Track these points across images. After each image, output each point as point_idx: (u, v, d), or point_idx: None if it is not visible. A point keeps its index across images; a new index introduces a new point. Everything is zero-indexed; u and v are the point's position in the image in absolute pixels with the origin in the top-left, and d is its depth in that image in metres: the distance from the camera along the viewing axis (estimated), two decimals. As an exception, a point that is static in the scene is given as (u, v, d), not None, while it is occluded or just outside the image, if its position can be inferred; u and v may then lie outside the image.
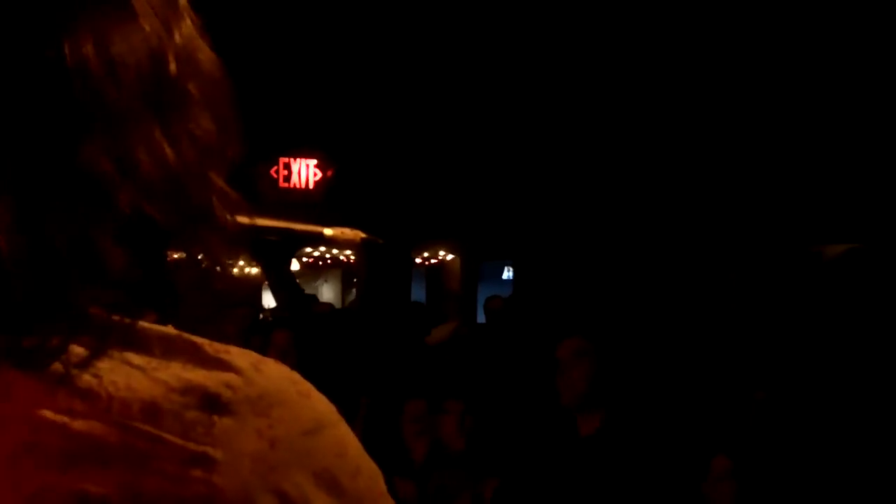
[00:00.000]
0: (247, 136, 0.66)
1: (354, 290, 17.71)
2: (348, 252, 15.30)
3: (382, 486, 0.60)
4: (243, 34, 8.86)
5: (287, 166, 13.68)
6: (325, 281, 19.76)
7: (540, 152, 12.47)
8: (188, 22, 0.64)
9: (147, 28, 0.60)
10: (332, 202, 12.75)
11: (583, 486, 3.44)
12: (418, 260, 15.73)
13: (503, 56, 12.07)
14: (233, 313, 0.65)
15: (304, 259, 16.55)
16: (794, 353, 5.72)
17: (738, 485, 3.59)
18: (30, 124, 0.55)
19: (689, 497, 3.56)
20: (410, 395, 4.73)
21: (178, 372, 0.55)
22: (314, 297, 9.50)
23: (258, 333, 5.52)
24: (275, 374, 0.57)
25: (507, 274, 17.51)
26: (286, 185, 13.63)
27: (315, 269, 18.53)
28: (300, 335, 5.17)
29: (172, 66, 0.61)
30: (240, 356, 0.57)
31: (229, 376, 0.55)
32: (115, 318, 0.55)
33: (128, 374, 0.54)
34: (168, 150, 0.59)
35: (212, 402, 0.54)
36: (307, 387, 0.59)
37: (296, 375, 0.59)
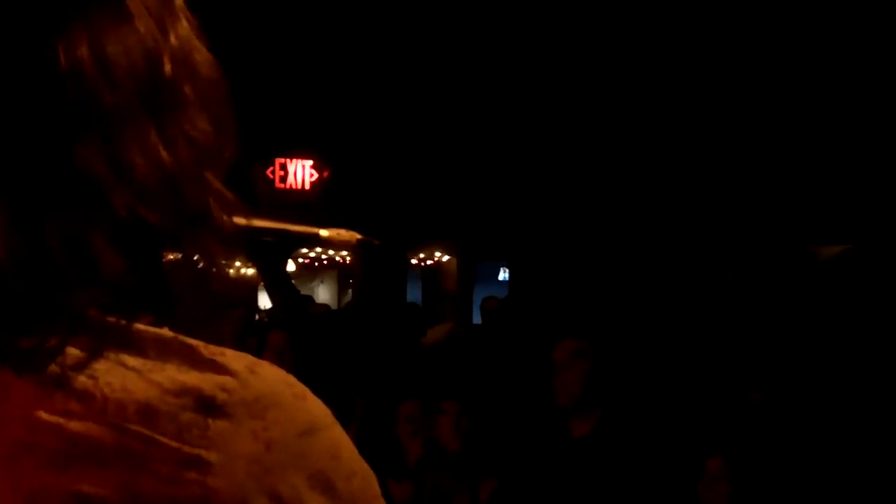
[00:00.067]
0: (243, 137, 0.66)
1: (350, 291, 17.74)
2: (344, 253, 15.31)
3: (376, 489, 0.61)
4: (240, 35, 8.86)
5: (283, 167, 13.67)
6: (322, 282, 19.77)
7: (536, 154, 12.48)
8: (184, 23, 0.64)
9: (142, 29, 0.60)
10: (329, 203, 12.74)
11: (579, 486, 3.44)
12: (414, 261, 15.74)
13: (499, 58, 12.07)
14: (229, 314, 0.65)
15: (301, 260, 16.54)
16: (790, 354, 5.73)
17: (733, 486, 3.60)
18: (24, 126, 0.55)
19: (684, 498, 3.56)
20: (406, 395, 4.73)
21: (173, 374, 0.55)
22: (310, 298, 9.50)
23: (254, 334, 5.51)
24: (270, 377, 0.57)
25: (503, 275, 17.53)
26: (282, 185, 13.62)
27: (311, 270, 18.54)
28: (296, 336, 5.16)
29: (168, 67, 0.61)
30: (235, 359, 0.57)
31: (224, 379, 0.55)
32: (111, 319, 0.55)
33: (123, 376, 0.54)
34: (163, 152, 0.59)
35: (207, 405, 0.54)
36: (302, 389, 0.59)
37: (291, 378, 0.59)
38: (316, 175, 13.76)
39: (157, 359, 0.55)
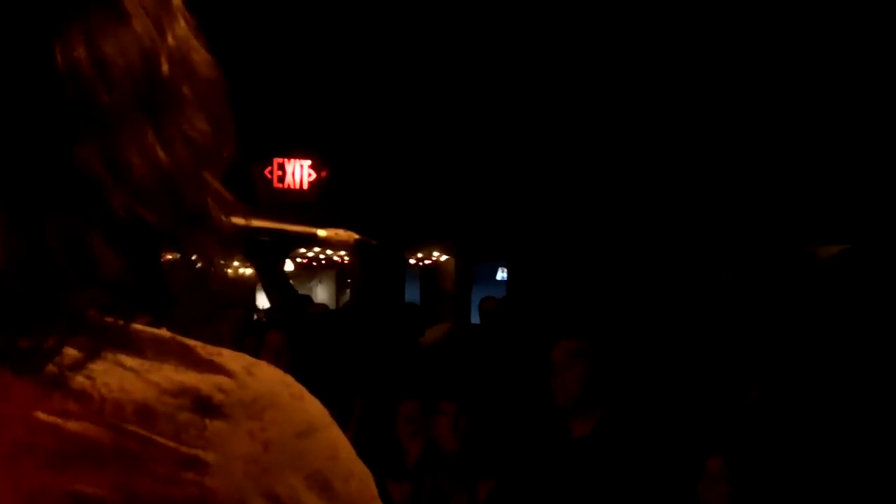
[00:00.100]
0: (241, 137, 0.66)
1: (349, 291, 17.75)
2: (342, 253, 15.30)
3: (374, 489, 0.61)
4: (238, 35, 8.85)
5: (281, 167, 13.67)
6: (320, 282, 19.78)
7: (534, 154, 12.48)
8: (182, 23, 0.64)
9: (139, 29, 0.59)
10: (327, 203, 12.74)
11: (579, 487, 3.45)
12: (412, 261, 15.73)
13: (497, 58, 12.07)
14: (227, 314, 0.65)
15: (299, 260, 16.55)
16: (788, 354, 5.73)
17: (733, 486, 3.60)
18: (23, 127, 0.55)
19: (684, 498, 3.56)
20: (404, 395, 4.73)
21: (171, 374, 0.55)
22: (308, 298, 9.49)
23: (252, 334, 5.51)
24: (267, 377, 0.57)
25: (502, 275, 17.53)
26: (280, 185, 13.62)
27: (309, 270, 18.55)
28: (294, 336, 5.17)
29: (165, 67, 0.60)
30: (232, 359, 0.57)
31: (222, 379, 0.55)
32: (109, 319, 0.56)
33: (121, 376, 0.54)
34: (161, 152, 0.59)
35: (204, 405, 0.54)
36: (300, 389, 0.59)
37: (288, 378, 0.59)
38: (314, 175, 13.75)
39: (154, 359, 0.55)
